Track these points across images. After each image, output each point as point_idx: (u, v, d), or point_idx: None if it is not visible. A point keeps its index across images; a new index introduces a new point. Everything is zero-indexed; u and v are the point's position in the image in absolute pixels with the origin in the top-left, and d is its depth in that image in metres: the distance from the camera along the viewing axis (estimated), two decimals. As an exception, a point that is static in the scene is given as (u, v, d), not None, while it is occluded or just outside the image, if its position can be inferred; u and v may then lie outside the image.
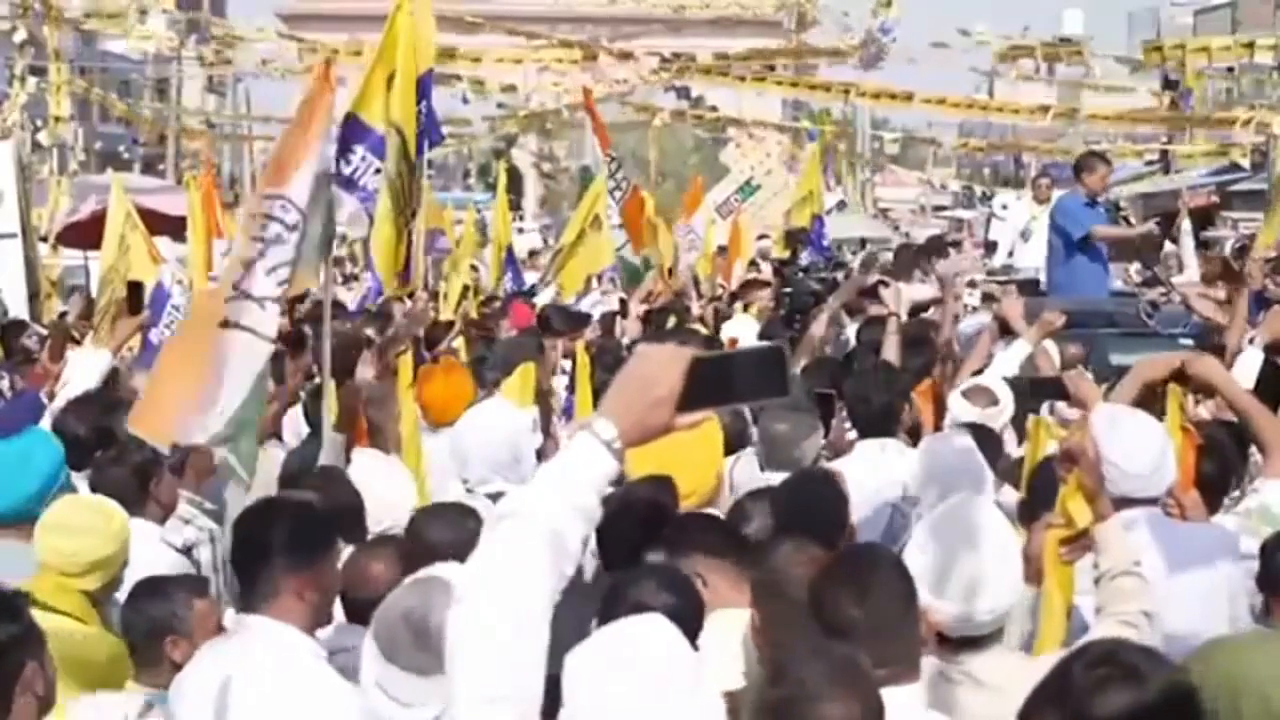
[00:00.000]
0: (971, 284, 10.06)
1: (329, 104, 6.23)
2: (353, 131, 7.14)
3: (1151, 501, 5.01)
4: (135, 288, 8.18)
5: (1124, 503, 4.94)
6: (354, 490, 5.54)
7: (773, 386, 2.58)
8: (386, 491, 5.78)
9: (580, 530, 2.48)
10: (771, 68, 28.16)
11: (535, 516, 2.47)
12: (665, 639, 2.61)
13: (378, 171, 6.91)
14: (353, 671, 3.78)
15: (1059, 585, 4.23)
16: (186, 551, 5.74)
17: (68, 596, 4.65)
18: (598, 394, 6.84)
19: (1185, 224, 22.05)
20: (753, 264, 18.68)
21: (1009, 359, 7.27)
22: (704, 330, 11.14)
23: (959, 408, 6.52)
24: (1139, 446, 4.97)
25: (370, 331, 9.47)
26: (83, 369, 7.43)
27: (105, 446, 6.09)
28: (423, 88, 7.36)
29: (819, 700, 2.95)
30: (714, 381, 2.53)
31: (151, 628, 4.48)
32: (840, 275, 13.65)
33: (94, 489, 5.64)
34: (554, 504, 2.48)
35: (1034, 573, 4.27)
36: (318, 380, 7.72)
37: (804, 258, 15.61)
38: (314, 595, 4.18)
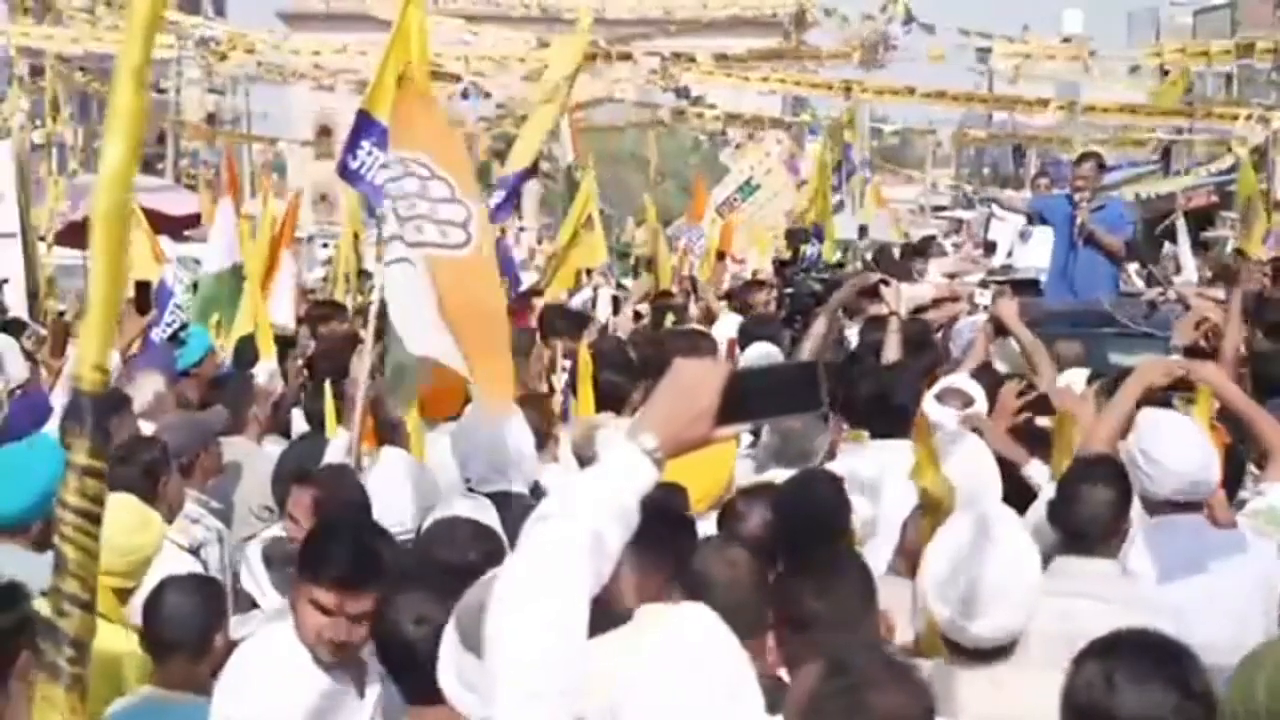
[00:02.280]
0: (984, 284, 10.06)
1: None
2: (362, 127, 7.17)
3: (1195, 507, 4.99)
4: (143, 287, 8.18)
5: (1167, 506, 4.92)
6: (359, 486, 5.57)
7: (809, 400, 2.62)
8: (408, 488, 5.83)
9: (620, 534, 2.52)
10: (772, 67, 28.16)
11: (576, 517, 2.50)
12: (706, 628, 2.61)
13: (385, 166, 6.93)
14: None
15: None
16: (194, 551, 5.76)
17: (100, 593, 4.68)
18: (599, 394, 6.86)
19: (1182, 224, 22.04)
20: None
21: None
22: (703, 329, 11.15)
23: (933, 410, 6.34)
24: (1186, 447, 4.96)
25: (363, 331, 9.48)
26: None
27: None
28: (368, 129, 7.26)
29: (882, 689, 2.92)
30: (752, 395, 2.58)
31: (205, 625, 4.49)
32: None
33: None
34: (595, 506, 2.51)
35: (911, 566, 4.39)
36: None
37: (810, 256, 15.65)
38: None
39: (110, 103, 2.54)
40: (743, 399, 2.57)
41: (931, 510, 4.50)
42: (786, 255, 19.01)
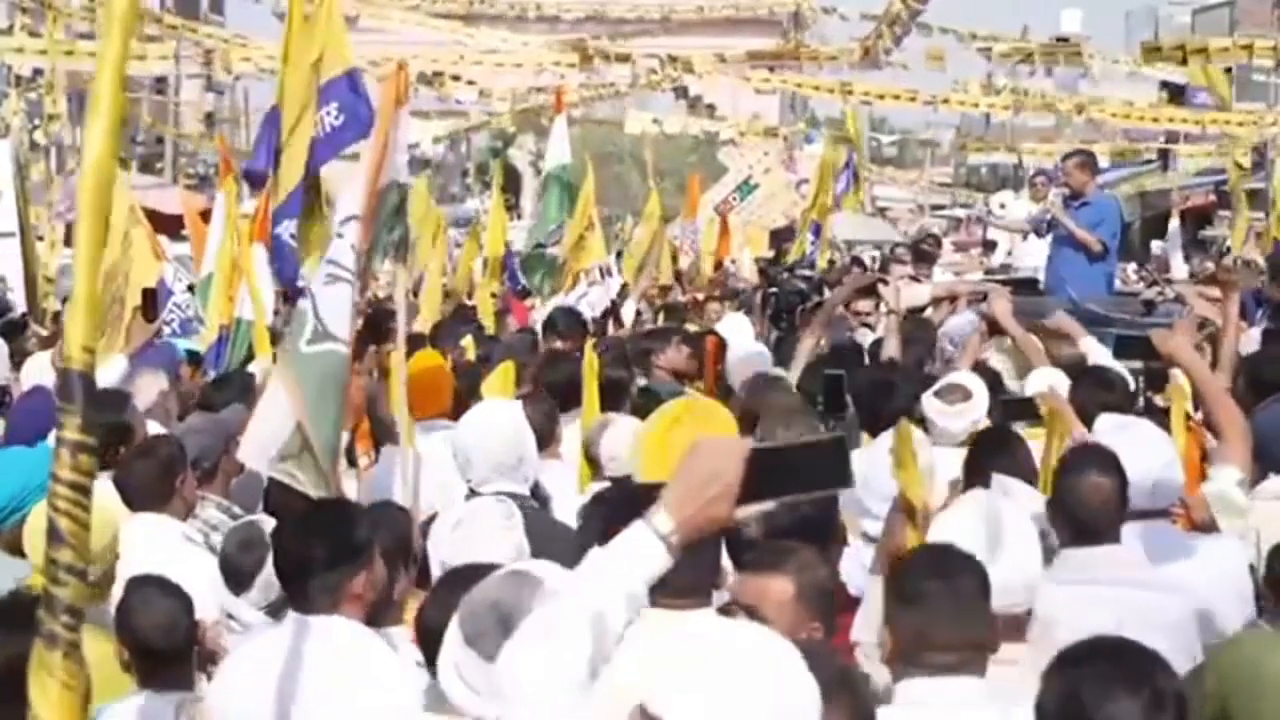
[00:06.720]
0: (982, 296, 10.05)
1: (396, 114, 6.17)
2: (271, 120, 7.28)
3: (1160, 514, 4.93)
4: (149, 294, 8.28)
5: (1131, 514, 4.75)
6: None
7: (834, 477, 2.57)
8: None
9: (624, 616, 2.55)
10: (771, 69, 28.18)
11: (582, 597, 2.56)
12: (760, 636, 2.59)
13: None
14: None
15: None
16: (210, 547, 5.73)
17: None
18: (604, 395, 6.86)
19: (1174, 224, 22.05)
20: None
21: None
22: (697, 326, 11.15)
23: (929, 405, 6.30)
24: (1143, 454, 4.88)
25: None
26: (102, 376, 7.47)
27: (121, 442, 6.11)
28: (334, 90, 7.34)
29: None
30: (774, 473, 2.51)
31: (188, 625, 4.50)
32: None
33: (119, 486, 5.64)
34: (602, 588, 2.56)
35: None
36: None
37: (810, 255, 15.71)
38: (370, 593, 4.19)
39: (92, 96, 2.63)
40: (766, 477, 2.49)
41: (909, 511, 4.44)
42: (769, 254, 19.07)
